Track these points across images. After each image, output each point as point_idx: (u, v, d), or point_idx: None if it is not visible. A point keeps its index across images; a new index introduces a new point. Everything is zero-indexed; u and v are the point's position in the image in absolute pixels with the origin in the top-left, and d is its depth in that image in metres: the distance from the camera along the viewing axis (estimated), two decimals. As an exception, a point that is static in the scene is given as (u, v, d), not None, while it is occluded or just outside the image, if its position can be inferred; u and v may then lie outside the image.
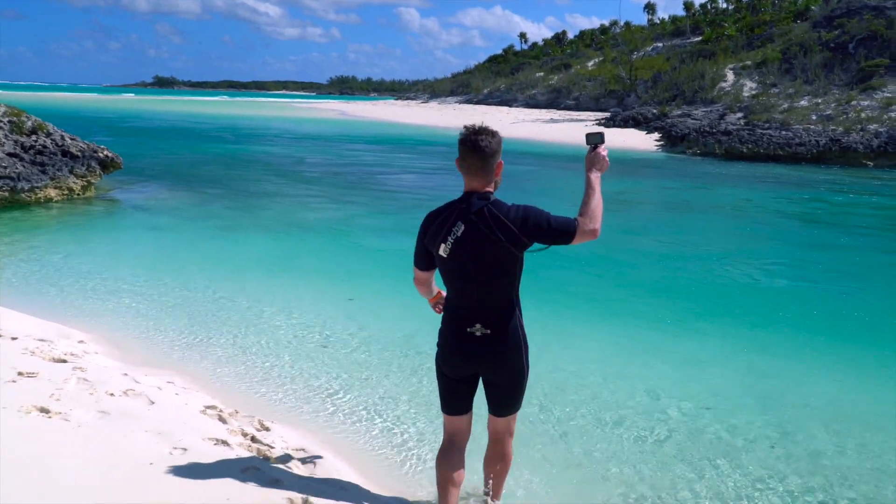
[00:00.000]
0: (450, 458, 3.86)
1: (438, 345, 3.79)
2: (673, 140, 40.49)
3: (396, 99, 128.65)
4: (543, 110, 70.92)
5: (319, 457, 4.94)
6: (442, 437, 4.02)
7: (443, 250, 3.54)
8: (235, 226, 14.57)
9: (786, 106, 41.11)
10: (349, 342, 7.70)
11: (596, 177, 3.69)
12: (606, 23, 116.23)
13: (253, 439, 4.87)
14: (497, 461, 4.03)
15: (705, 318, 9.27)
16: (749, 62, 51.38)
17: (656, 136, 43.05)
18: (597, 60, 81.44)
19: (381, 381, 6.62)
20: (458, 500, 3.89)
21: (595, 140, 3.81)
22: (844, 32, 48.16)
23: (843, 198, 23.53)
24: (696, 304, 9.98)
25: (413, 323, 8.18)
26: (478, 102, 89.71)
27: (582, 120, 55.64)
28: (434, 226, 3.59)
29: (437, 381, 3.88)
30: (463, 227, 3.49)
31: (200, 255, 11.78)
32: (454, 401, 3.84)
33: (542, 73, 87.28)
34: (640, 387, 6.71)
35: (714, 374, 7.19)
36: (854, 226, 18.22)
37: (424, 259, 3.73)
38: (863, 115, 37.09)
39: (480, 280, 3.55)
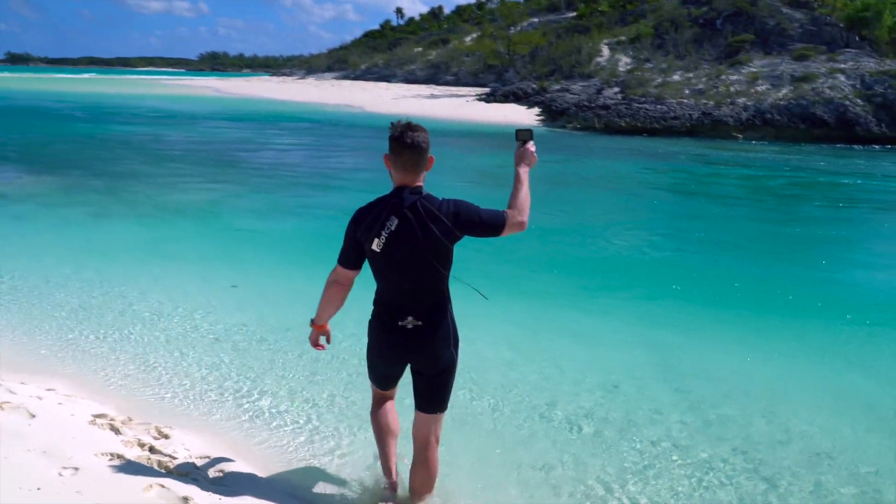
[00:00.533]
0: (383, 408, 4.06)
1: (370, 340, 3.82)
2: (553, 115, 40.98)
3: (272, 75, 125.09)
4: (423, 86, 70.46)
5: (227, 460, 4.50)
6: (371, 402, 4.16)
7: (376, 245, 3.54)
8: (104, 212, 13.51)
9: (660, 80, 42.26)
10: (242, 332, 7.18)
11: (525, 171, 3.81)
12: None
13: (152, 450, 4.33)
14: (422, 469, 3.94)
15: (599, 293, 9.26)
16: (623, 37, 52.50)
17: (537, 110, 43.47)
18: (474, 36, 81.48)
19: (283, 374, 6.16)
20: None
21: (525, 136, 3.90)
22: (712, 9, 49.83)
23: (713, 169, 24.49)
24: (587, 278, 9.99)
25: (304, 308, 7.68)
26: (356, 78, 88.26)
27: (462, 95, 55.60)
28: (367, 221, 3.57)
29: (366, 365, 3.94)
30: (396, 222, 3.52)
31: (68, 245, 10.78)
32: (386, 383, 3.99)
33: (420, 49, 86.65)
34: (549, 368, 6.53)
35: (617, 349, 7.10)
36: (725, 196, 18.92)
37: (354, 256, 3.67)
38: (731, 89, 38.60)
39: (413, 273, 3.59)
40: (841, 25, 45.15)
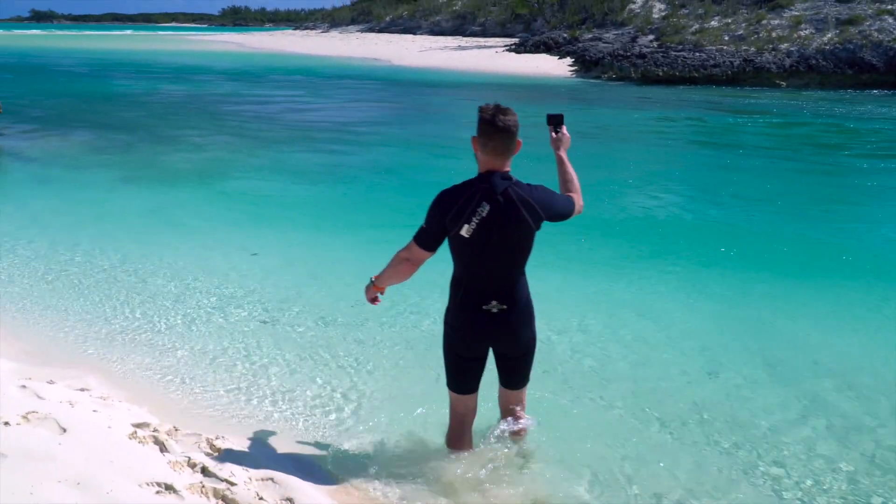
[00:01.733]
0: (464, 438, 3.97)
1: (449, 325, 3.76)
2: (587, 65, 39.69)
3: (295, 29, 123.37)
4: (449, 37, 68.92)
5: (295, 483, 3.77)
6: (449, 421, 4.01)
7: (465, 231, 3.49)
8: (138, 176, 12.95)
9: (697, 27, 40.70)
10: (289, 313, 6.57)
11: (565, 154, 4.00)
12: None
13: (205, 472, 3.71)
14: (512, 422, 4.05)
15: (652, 260, 8.45)
16: (657, -18, 50.67)
17: (569, 61, 42.15)
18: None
19: (348, 363, 5.52)
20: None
21: (556, 121, 4.03)
22: (750, -50, 47.85)
23: (756, 120, 23.27)
24: (635, 243, 9.20)
25: (349, 279, 7.08)
26: (380, 31, 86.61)
27: (490, 46, 54.21)
28: (457, 206, 3.50)
29: (445, 362, 3.86)
30: (488, 208, 3.48)
31: (99, 212, 10.28)
32: (467, 380, 3.85)
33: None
34: (624, 349, 5.88)
35: (699, 328, 6.39)
36: (768, 147, 17.95)
37: (435, 239, 3.60)
38: (773, 34, 37.01)
39: (502, 259, 3.58)
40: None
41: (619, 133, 20.32)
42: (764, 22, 38.60)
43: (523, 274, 3.70)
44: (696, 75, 34.89)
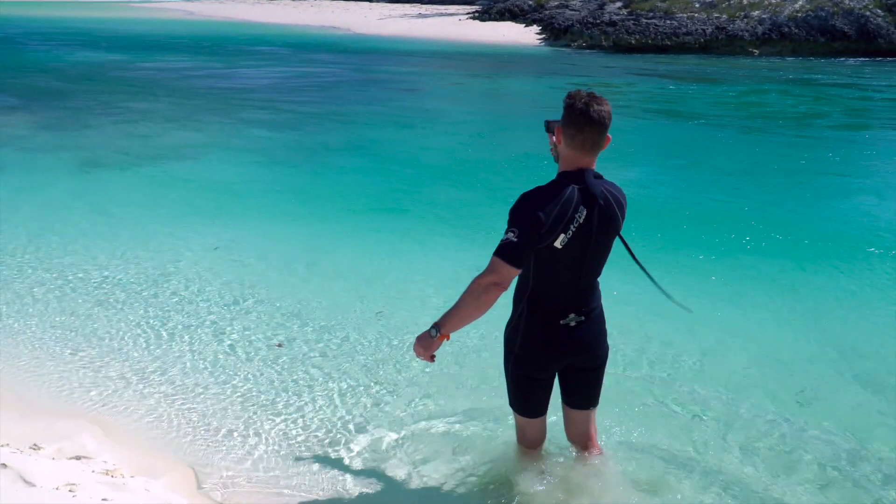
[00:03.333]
0: (538, 458, 3.64)
1: (519, 347, 3.27)
2: (556, 33, 38.75)
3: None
4: (407, 5, 67.32)
5: None
6: (519, 447, 3.65)
7: (560, 241, 3.02)
8: (94, 159, 11.68)
9: (665, -7, 39.92)
10: (308, 342, 5.55)
11: None
12: None
13: None
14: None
15: (670, 252, 7.57)
16: (622, -52, 49.68)
17: (536, 29, 41.15)
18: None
19: (387, 392, 4.56)
20: None
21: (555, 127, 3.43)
22: (715, -85, 47.12)
23: (724, 88, 22.59)
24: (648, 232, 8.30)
25: (359, 286, 6.18)
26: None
27: (452, 14, 52.85)
28: (554, 214, 2.97)
29: (511, 388, 3.42)
30: (585, 213, 3.04)
31: (58, 206, 9.03)
32: (540, 402, 3.45)
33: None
34: (678, 357, 5.01)
35: (758, 333, 5.55)
36: (741, 118, 17.21)
37: (528, 254, 3.04)
38: (745, 1, 36.41)
39: (588, 269, 3.18)
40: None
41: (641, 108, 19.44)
42: (735, -12, 37.95)
43: (599, 283, 3.34)
44: (669, 43, 34.21)
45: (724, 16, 35.31)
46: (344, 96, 19.98)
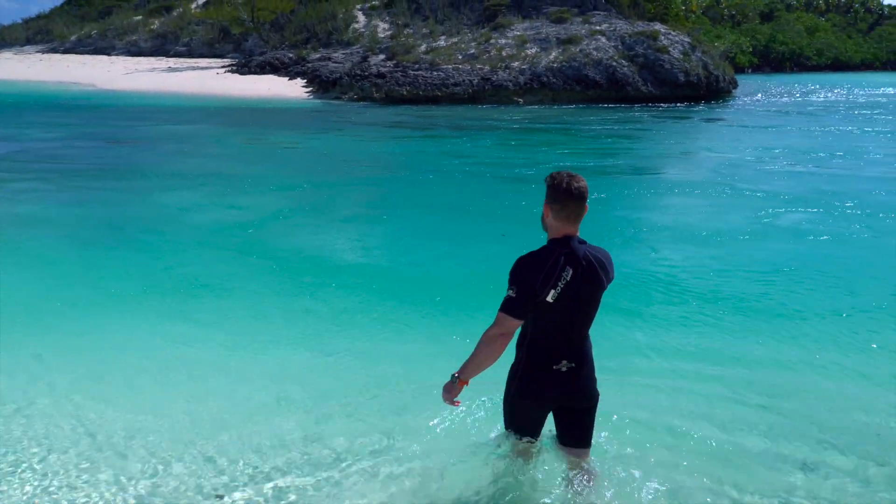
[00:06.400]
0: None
1: (517, 387, 3.78)
2: (324, 85, 38.11)
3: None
4: (152, 58, 63.70)
5: None
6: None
7: (551, 296, 3.55)
8: None
9: (424, 47, 40.80)
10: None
11: None
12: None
13: None
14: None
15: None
16: (377, 2, 50.46)
17: (301, 81, 40.30)
18: (200, 2, 75.49)
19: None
20: None
21: None
22: (463, -28, 49.36)
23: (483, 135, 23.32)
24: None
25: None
26: (65, 51, 77.81)
27: (205, 67, 50.57)
28: (544, 273, 3.54)
29: (509, 418, 3.92)
30: (572, 272, 3.57)
31: None
32: (535, 429, 3.92)
33: (140, 17, 78.55)
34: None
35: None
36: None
37: (527, 309, 3.58)
38: (504, 53, 38.08)
39: (578, 320, 3.68)
40: (587, -12, 46.59)
41: (340, 162, 18.99)
42: (492, 41, 39.64)
43: (589, 332, 3.80)
44: (440, 94, 34.80)
45: (488, 67, 36.63)
46: (104, 161, 17.83)
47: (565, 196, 3.56)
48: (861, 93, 47.41)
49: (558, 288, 3.53)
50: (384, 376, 5.66)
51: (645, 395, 5.40)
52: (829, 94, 45.40)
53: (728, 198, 13.33)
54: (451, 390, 3.72)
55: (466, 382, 3.73)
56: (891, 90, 50.01)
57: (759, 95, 43.11)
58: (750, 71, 77.85)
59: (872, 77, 75.20)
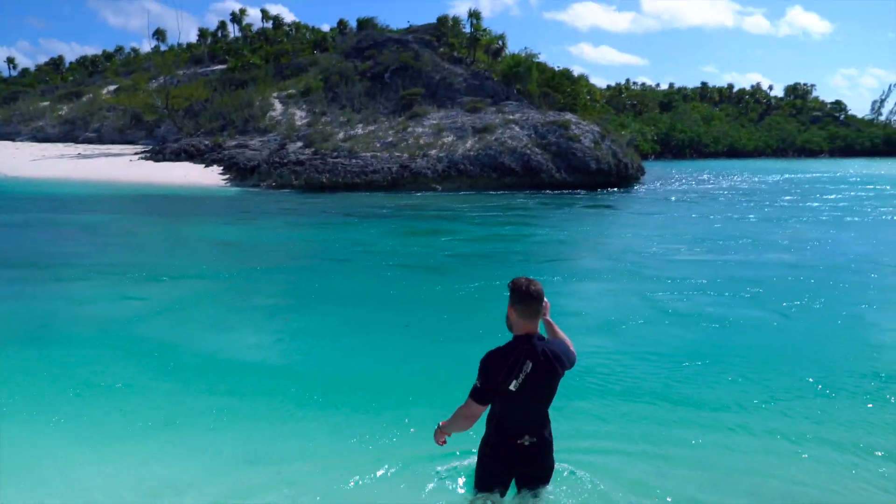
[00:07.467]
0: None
1: (485, 454, 4.54)
2: (242, 173, 38.06)
3: None
4: (60, 144, 62.44)
5: None
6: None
7: (513, 385, 4.23)
8: None
9: (342, 135, 41.39)
10: None
11: (550, 318, 4.73)
12: (110, 49, 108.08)
13: None
14: None
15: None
16: (293, 91, 51.11)
17: (218, 169, 40.17)
18: (112, 88, 74.90)
19: None
20: None
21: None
22: (378, 63, 50.60)
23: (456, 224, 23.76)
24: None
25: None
26: (-34, 137, 75.82)
27: (117, 154, 49.88)
28: (506, 367, 4.22)
29: (478, 476, 4.61)
30: (531, 365, 4.25)
31: None
32: (503, 490, 4.57)
33: (48, 103, 77.16)
34: None
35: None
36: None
37: (490, 397, 4.30)
38: (421, 141, 38.95)
39: (537, 404, 4.41)
40: (498, 80, 48.44)
41: (254, 248, 19.09)
42: (409, 130, 40.56)
43: (548, 412, 4.52)
44: (359, 181, 35.19)
45: (406, 154, 37.35)
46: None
47: (526, 297, 4.26)
48: (755, 179, 50.27)
49: (520, 378, 4.21)
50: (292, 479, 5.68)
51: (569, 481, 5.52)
52: (727, 181, 47.96)
53: (632, 282, 13.86)
54: (437, 436, 4.58)
55: (448, 433, 4.54)
56: (778, 176, 53.58)
57: (661, 182, 45.08)
58: (653, 157, 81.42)
59: (763, 163, 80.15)
